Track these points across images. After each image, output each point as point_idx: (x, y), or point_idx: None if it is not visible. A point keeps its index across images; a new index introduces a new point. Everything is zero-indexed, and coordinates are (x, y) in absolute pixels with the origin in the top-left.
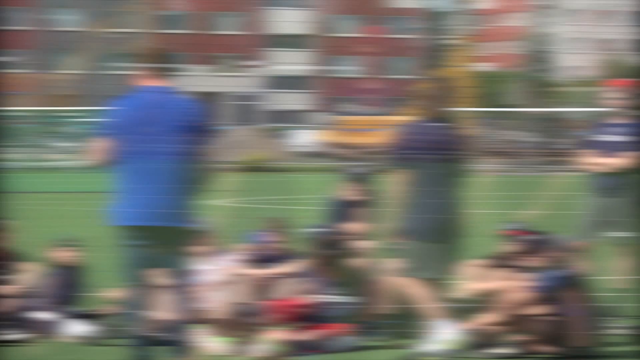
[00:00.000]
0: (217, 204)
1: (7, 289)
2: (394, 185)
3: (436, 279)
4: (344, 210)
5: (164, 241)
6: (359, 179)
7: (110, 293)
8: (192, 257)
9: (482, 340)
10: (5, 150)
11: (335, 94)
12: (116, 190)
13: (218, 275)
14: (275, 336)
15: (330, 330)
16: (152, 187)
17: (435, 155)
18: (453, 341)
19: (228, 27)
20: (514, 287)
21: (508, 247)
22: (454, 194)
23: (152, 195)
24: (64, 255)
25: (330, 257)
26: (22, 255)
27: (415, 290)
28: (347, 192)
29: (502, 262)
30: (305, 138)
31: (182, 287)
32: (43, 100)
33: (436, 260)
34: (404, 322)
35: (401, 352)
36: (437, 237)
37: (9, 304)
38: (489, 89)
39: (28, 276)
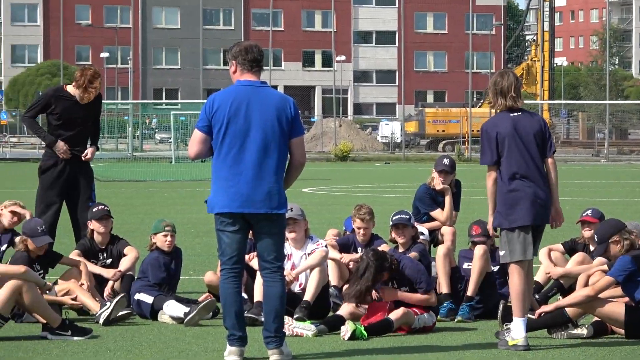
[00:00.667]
0: (309, 191)
1: (109, 272)
2: (489, 176)
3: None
4: (431, 198)
5: (258, 227)
6: (446, 168)
7: (207, 277)
8: (284, 242)
9: (560, 322)
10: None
11: (421, 87)
12: (213, 178)
13: (309, 260)
14: (356, 315)
15: (410, 310)
16: (247, 175)
17: (520, 145)
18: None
19: (319, 24)
20: (591, 271)
21: (586, 232)
22: (537, 182)
23: (247, 183)
24: (164, 240)
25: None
26: (124, 240)
27: (512, 276)
28: (434, 180)
29: (580, 247)
30: (391, 129)
31: (276, 271)
32: (143, 93)
33: (525, 245)
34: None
35: (478, 336)
36: (524, 223)
37: (112, 287)
38: (566, 82)
39: (129, 260)
